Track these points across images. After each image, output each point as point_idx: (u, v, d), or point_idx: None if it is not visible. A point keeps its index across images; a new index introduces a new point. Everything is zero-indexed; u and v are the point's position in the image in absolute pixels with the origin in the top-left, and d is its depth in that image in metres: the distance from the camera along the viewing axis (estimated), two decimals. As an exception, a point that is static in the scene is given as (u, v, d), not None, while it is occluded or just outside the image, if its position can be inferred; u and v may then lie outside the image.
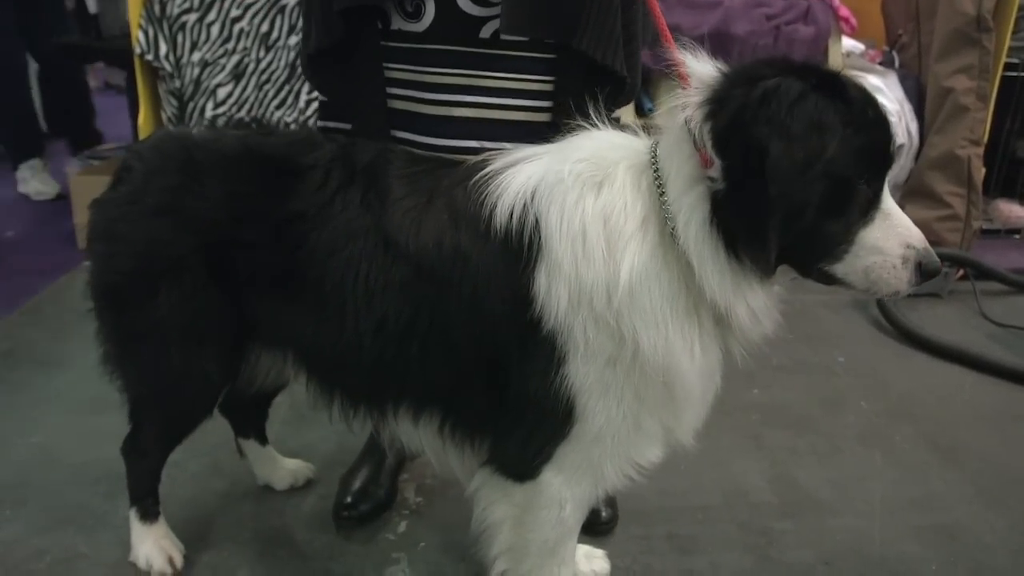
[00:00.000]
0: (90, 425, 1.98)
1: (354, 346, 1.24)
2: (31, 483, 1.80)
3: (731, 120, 0.97)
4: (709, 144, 1.00)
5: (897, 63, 3.81)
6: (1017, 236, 3.87)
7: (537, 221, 1.09)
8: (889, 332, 2.89)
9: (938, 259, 1.05)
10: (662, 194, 1.05)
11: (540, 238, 1.09)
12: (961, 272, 3.30)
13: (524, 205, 1.10)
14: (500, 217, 1.11)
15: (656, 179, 1.06)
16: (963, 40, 3.34)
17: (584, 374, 1.11)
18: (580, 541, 1.62)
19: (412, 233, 1.18)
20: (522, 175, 1.14)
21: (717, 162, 1.00)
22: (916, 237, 1.03)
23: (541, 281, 1.09)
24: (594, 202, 1.07)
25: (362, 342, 1.23)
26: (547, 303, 1.08)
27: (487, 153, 1.22)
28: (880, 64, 3.80)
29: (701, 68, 1.07)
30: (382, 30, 1.44)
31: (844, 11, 3.50)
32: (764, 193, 0.96)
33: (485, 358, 1.17)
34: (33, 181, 4.05)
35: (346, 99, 1.52)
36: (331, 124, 1.59)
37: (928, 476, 2.02)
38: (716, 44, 3.30)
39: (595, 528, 1.70)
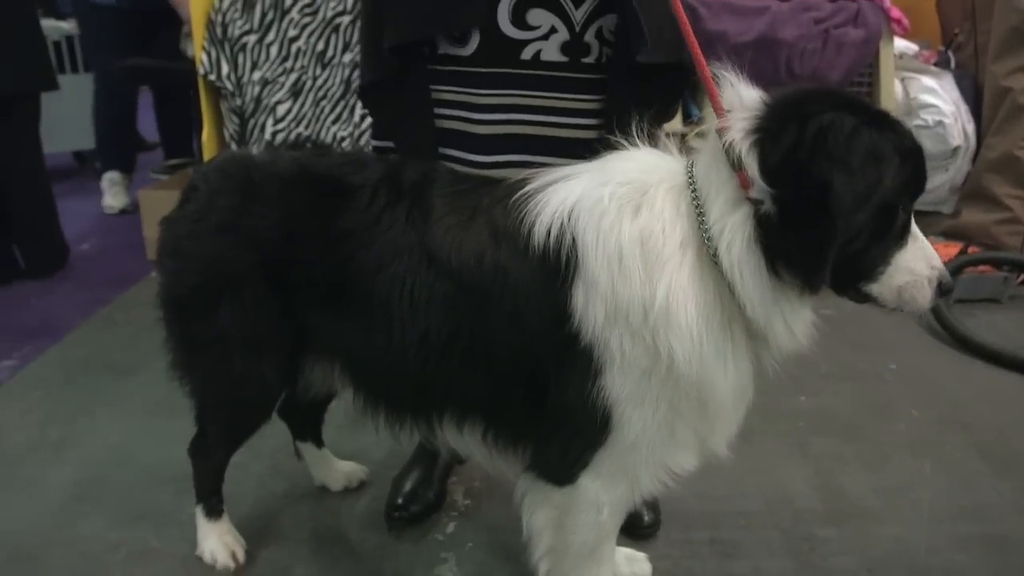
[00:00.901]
0: (161, 427, 2.10)
1: (399, 358, 1.31)
2: (108, 481, 1.93)
3: (786, 154, 1.03)
4: (757, 173, 1.04)
5: (953, 63, 3.74)
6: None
7: (574, 240, 1.14)
8: (944, 338, 2.84)
9: (951, 280, 1.14)
10: (700, 215, 1.09)
11: (577, 256, 1.14)
12: (1022, 277, 3.22)
13: (562, 224, 1.15)
14: (538, 235, 1.17)
15: (695, 200, 1.10)
16: (1021, 38, 3.26)
17: (620, 385, 1.15)
18: (622, 544, 1.67)
19: (454, 249, 1.24)
20: (560, 194, 1.19)
21: (760, 185, 1.04)
22: (936, 258, 1.12)
23: (578, 297, 1.14)
24: (631, 224, 1.12)
25: (406, 354, 1.29)
26: (584, 318, 1.13)
27: (527, 172, 1.28)
28: (935, 65, 3.73)
29: (746, 94, 1.11)
30: (429, 54, 1.51)
31: (896, 12, 3.44)
32: (824, 221, 1.01)
33: (525, 369, 1.22)
34: (106, 194, 4.28)
35: (397, 121, 1.59)
36: (383, 143, 1.67)
37: (979, 485, 1.99)
38: (764, 50, 3.31)
39: (638, 531, 1.74)
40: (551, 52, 1.47)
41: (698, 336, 1.10)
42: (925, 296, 1.10)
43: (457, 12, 1.42)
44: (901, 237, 1.09)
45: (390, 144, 1.64)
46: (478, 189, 1.31)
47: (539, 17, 1.44)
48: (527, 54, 1.47)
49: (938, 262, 1.11)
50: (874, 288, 1.11)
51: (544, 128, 1.50)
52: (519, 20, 1.45)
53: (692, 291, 1.10)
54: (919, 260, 1.10)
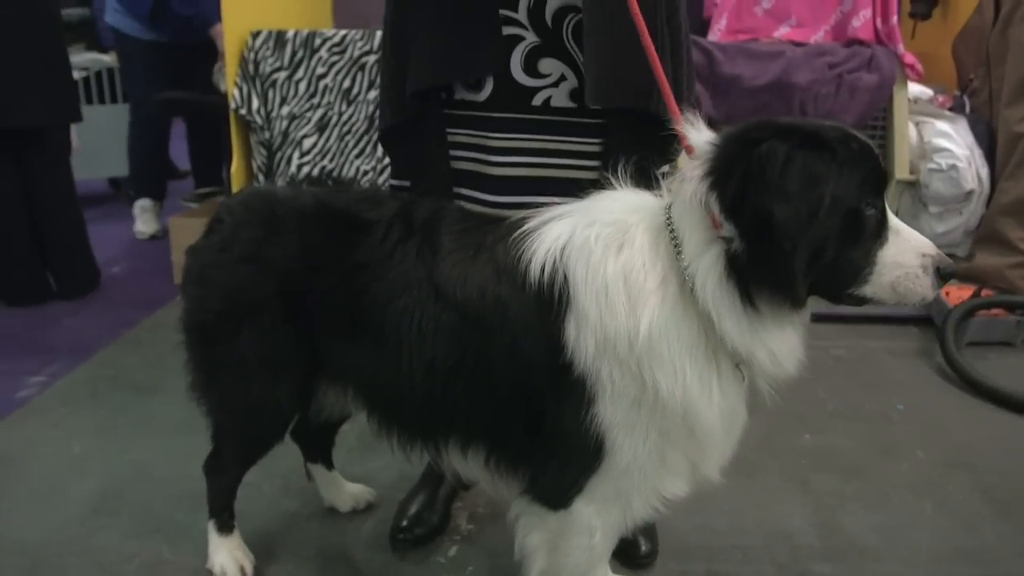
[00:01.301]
0: (179, 445, 2.18)
1: (407, 385, 1.37)
2: (125, 495, 2.01)
3: (735, 191, 1.08)
4: (719, 212, 1.10)
5: (968, 108, 3.77)
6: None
7: (566, 276, 1.21)
8: (954, 381, 2.84)
9: (951, 261, 1.12)
10: (679, 254, 1.15)
11: (568, 291, 1.20)
12: (1036, 321, 3.22)
13: (554, 262, 1.22)
14: (534, 271, 1.23)
15: (673, 240, 1.16)
16: (1034, 86, 3.30)
17: (612, 413, 1.21)
18: (618, 572, 1.71)
19: (459, 284, 1.31)
20: (552, 233, 1.26)
21: (729, 226, 1.10)
22: (928, 245, 1.12)
23: (571, 330, 1.20)
24: (615, 261, 1.18)
25: (414, 381, 1.36)
26: (576, 349, 1.19)
27: (527, 211, 1.35)
28: (950, 109, 3.77)
29: (697, 138, 1.17)
30: (446, 99, 1.61)
31: (909, 58, 3.50)
32: (781, 247, 1.05)
33: (523, 397, 1.28)
34: (138, 220, 4.44)
35: (415, 162, 1.68)
36: (400, 183, 1.76)
37: (980, 528, 1.99)
38: (778, 93, 3.39)
39: (634, 561, 1.78)
40: (561, 99, 1.55)
41: (680, 367, 1.15)
42: (923, 285, 1.11)
43: (474, 60, 1.51)
44: (878, 235, 1.11)
45: (407, 183, 1.72)
46: (483, 227, 1.38)
47: (549, 66, 1.53)
48: (538, 100, 1.56)
49: (930, 248, 1.12)
50: (867, 290, 1.12)
51: (553, 170, 1.58)
52: (531, 69, 1.53)
53: (674, 324, 1.15)
54: (906, 253, 1.11)
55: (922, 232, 3.81)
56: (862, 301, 1.15)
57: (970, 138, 3.54)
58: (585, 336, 1.19)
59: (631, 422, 1.21)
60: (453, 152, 1.62)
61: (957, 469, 2.26)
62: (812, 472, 2.23)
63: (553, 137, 1.56)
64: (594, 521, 1.31)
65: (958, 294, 3.28)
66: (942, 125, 3.55)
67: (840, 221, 1.07)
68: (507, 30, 1.51)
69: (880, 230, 1.11)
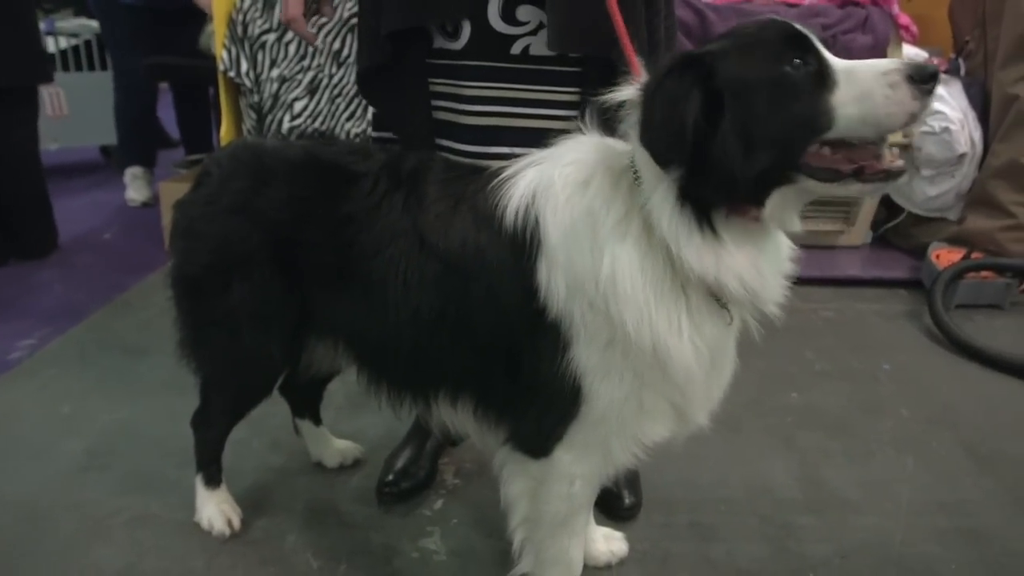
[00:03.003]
0: (169, 404, 2.19)
1: (395, 336, 1.38)
2: (114, 452, 2.03)
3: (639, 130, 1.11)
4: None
5: (963, 70, 3.74)
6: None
7: (537, 220, 1.21)
8: (941, 342, 2.86)
9: (929, 63, 1.02)
10: (641, 191, 1.15)
11: (540, 234, 1.20)
12: (1025, 284, 3.23)
13: (527, 206, 1.22)
14: (509, 217, 1.23)
15: (635, 178, 1.16)
16: (1028, 47, 3.28)
17: (587, 357, 1.21)
18: (602, 524, 1.73)
19: (442, 233, 1.31)
20: (526, 179, 1.25)
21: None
22: (891, 63, 1.03)
23: (542, 272, 1.20)
24: (580, 201, 1.18)
25: (401, 332, 1.37)
26: (549, 292, 1.20)
27: (507, 161, 1.35)
28: (945, 72, 3.73)
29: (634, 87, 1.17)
30: (425, 48, 1.59)
31: (904, 19, 3.47)
32: (708, 160, 1.07)
33: (503, 345, 1.29)
34: (129, 188, 4.42)
35: (395, 111, 1.67)
36: (383, 135, 1.75)
37: (961, 482, 2.02)
38: (770, 54, 3.35)
39: (618, 513, 1.80)
40: (540, 47, 1.53)
41: (646, 303, 1.14)
42: (900, 101, 1.01)
43: (448, 2, 1.50)
44: (822, 85, 1.04)
45: (389, 135, 1.72)
46: (466, 176, 1.38)
47: (528, 13, 1.51)
48: (516, 49, 1.54)
49: (894, 64, 1.02)
50: (837, 132, 1.05)
51: (530, 120, 1.57)
52: (509, 16, 1.52)
53: (637, 259, 1.14)
54: (864, 82, 1.03)
55: (913, 194, 3.82)
56: (845, 145, 1.07)
57: (964, 101, 3.52)
58: (556, 278, 1.19)
59: (606, 365, 1.21)
60: (433, 102, 1.61)
61: (940, 426, 2.29)
62: (797, 429, 2.25)
63: (532, 86, 1.55)
64: (574, 468, 1.31)
65: (948, 257, 3.29)
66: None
67: (752, 99, 1.04)
68: None
69: (822, 80, 1.04)
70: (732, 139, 1.05)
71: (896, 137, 3.48)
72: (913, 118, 1.03)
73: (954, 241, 3.43)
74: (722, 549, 1.73)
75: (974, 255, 3.26)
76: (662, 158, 1.08)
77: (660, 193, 1.11)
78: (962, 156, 3.45)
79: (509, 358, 1.30)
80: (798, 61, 1.05)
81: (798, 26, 1.08)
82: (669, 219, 1.11)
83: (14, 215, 3.49)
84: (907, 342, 2.90)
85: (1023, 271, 3.20)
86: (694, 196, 1.10)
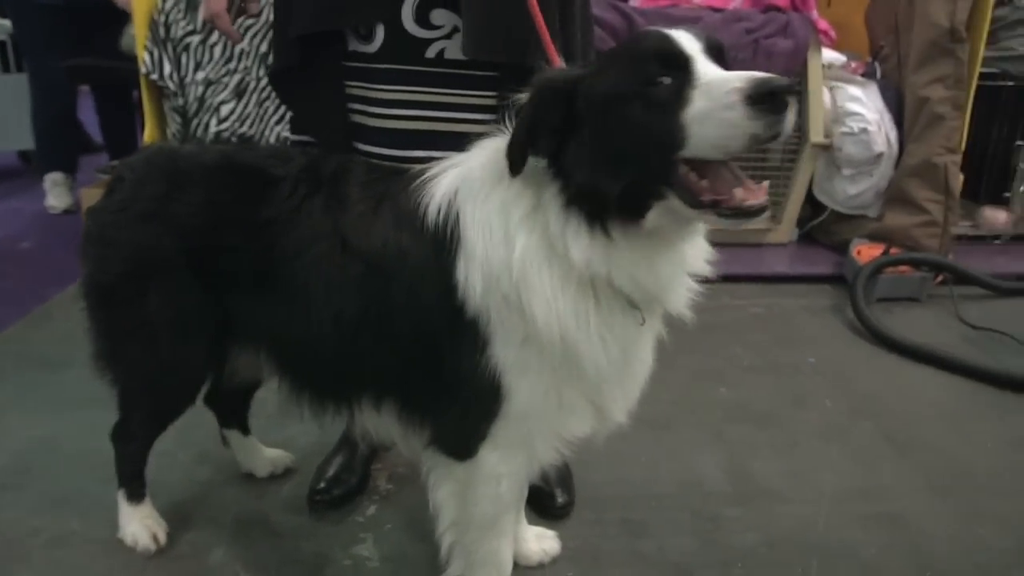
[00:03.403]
0: (91, 419, 2.08)
1: (317, 340, 1.36)
2: (31, 470, 1.95)
3: None
4: None
5: (879, 74, 3.89)
6: (998, 241, 3.93)
7: (457, 216, 1.21)
8: (863, 335, 2.97)
9: (770, 79, 0.96)
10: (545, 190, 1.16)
11: (459, 230, 1.20)
12: (940, 277, 3.38)
13: (448, 203, 1.22)
14: (431, 215, 1.23)
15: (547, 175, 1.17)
16: (938, 51, 3.44)
17: (505, 354, 1.21)
18: (535, 523, 1.74)
19: (364, 234, 1.30)
20: (448, 178, 1.26)
21: None
22: (739, 78, 0.98)
23: (460, 268, 1.20)
24: (495, 195, 1.19)
25: (323, 336, 1.35)
26: (467, 288, 1.20)
27: (431, 162, 1.35)
28: (862, 75, 3.88)
29: None
30: (341, 51, 1.58)
31: (823, 24, 3.60)
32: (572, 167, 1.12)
33: (424, 344, 1.28)
34: (49, 194, 4.25)
35: (310, 113, 1.65)
36: (300, 137, 1.73)
37: (880, 468, 2.10)
38: (697, 58, 3.43)
39: (550, 512, 1.82)
40: (454, 50, 1.54)
41: (552, 296, 1.15)
42: (735, 123, 0.97)
43: (359, 7, 1.49)
44: (678, 99, 1.01)
45: (307, 138, 1.70)
46: (388, 178, 1.37)
47: (442, 17, 1.51)
48: (431, 52, 1.54)
49: (739, 81, 0.97)
50: (687, 153, 1.02)
51: (448, 124, 1.57)
52: (423, 19, 1.52)
53: (544, 254, 1.15)
54: (710, 99, 0.99)
55: (835, 193, 3.94)
56: (707, 171, 1.06)
57: (880, 102, 3.67)
58: (473, 273, 1.19)
59: (524, 362, 1.21)
60: (349, 105, 1.60)
61: (862, 416, 2.38)
62: (726, 423, 2.31)
63: (447, 90, 1.55)
64: (500, 468, 1.32)
65: (868, 252, 3.42)
66: (854, 90, 3.66)
67: (607, 117, 1.07)
68: None
69: (679, 96, 1.01)
70: (586, 155, 1.09)
71: (817, 137, 3.62)
72: (757, 140, 0.97)
73: (874, 237, 3.57)
74: (653, 544, 1.76)
75: (892, 250, 3.40)
76: (511, 168, 1.13)
77: (552, 191, 1.14)
78: (880, 156, 3.60)
79: (431, 358, 1.29)
80: (663, 77, 1.03)
81: (677, 38, 1.06)
82: (556, 218, 1.13)
83: None
84: (831, 336, 3.00)
85: (938, 265, 3.34)
86: (575, 199, 1.12)
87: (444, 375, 1.28)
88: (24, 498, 1.84)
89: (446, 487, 1.38)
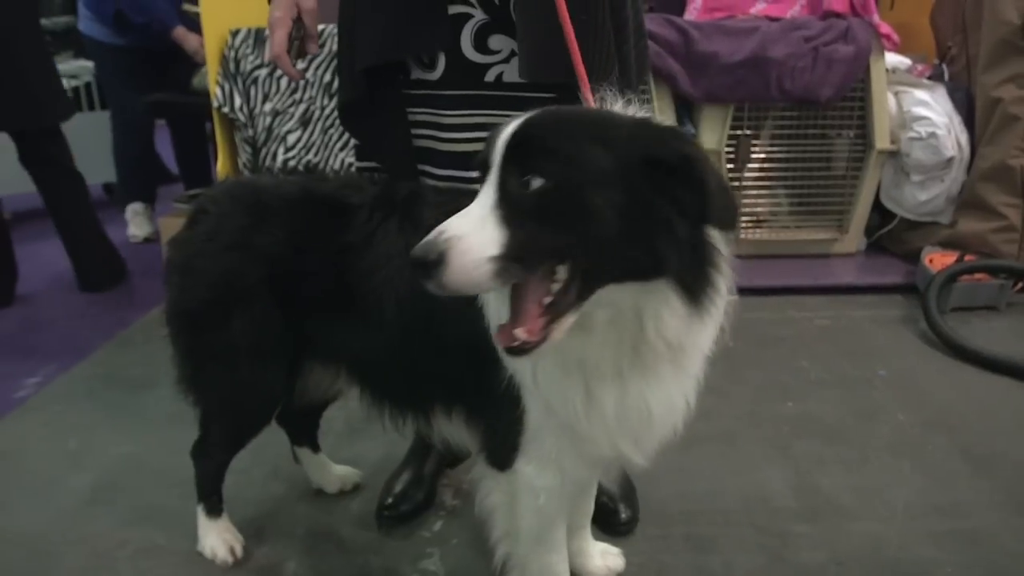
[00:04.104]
0: (173, 437, 2.20)
1: (390, 352, 1.42)
2: (119, 485, 2.06)
3: None
4: None
5: (947, 76, 3.79)
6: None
7: None
8: (937, 346, 2.88)
9: (422, 248, 0.95)
10: None
11: None
12: (1019, 285, 3.25)
13: None
14: None
15: None
16: (1009, 49, 3.32)
17: (520, 373, 1.23)
18: (599, 539, 1.75)
19: None
20: None
21: None
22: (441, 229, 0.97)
23: None
24: None
25: (396, 348, 1.40)
26: (486, 307, 1.23)
27: None
28: (929, 78, 3.78)
29: None
30: (404, 80, 1.64)
31: (885, 28, 3.52)
32: None
33: (470, 356, 1.30)
34: (130, 224, 4.50)
35: (376, 141, 1.71)
36: (365, 164, 1.80)
37: (956, 484, 2.03)
38: (755, 68, 3.42)
39: (614, 528, 1.82)
40: (513, 74, 1.58)
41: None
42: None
43: (420, 37, 1.55)
44: None
45: (372, 164, 1.76)
46: (458, 199, 1.42)
47: (499, 42, 1.56)
48: (490, 76, 1.59)
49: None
50: None
51: None
52: (481, 45, 1.57)
53: None
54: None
55: (903, 200, 3.87)
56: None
57: (949, 105, 3.56)
58: (489, 297, 1.21)
59: (530, 384, 1.23)
60: (413, 131, 1.66)
61: (937, 430, 2.30)
62: (793, 438, 2.27)
63: (507, 112, 1.58)
64: (536, 482, 1.31)
65: (941, 260, 3.31)
66: (920, 94, 3.57)
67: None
68: (454, 8, 1.54)
69: None
70: None
71: (883, 144, 3.53)
72: (442, 288, 0.95)
73: (947, 244, 3.46)
74: (718, 560, 1.75)
75: (967, 258, 3.28)
76: None
77: None
78: (950, 160, 3.49)
79: (477, 369, 1.31)
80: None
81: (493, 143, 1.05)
82: None
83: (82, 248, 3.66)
84: (903, 347, 2.91)
85: (1017, 272, 3.21)
86: None
87: (487, 386, 1.31)
88: (113, 512, 1.95)
89: (493, 497, 1.40)
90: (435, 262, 0.94)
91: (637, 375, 1.14)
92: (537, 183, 0.97)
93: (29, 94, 3.34)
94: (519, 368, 1.22)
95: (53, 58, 3.61)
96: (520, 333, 1.00)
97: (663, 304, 1.04)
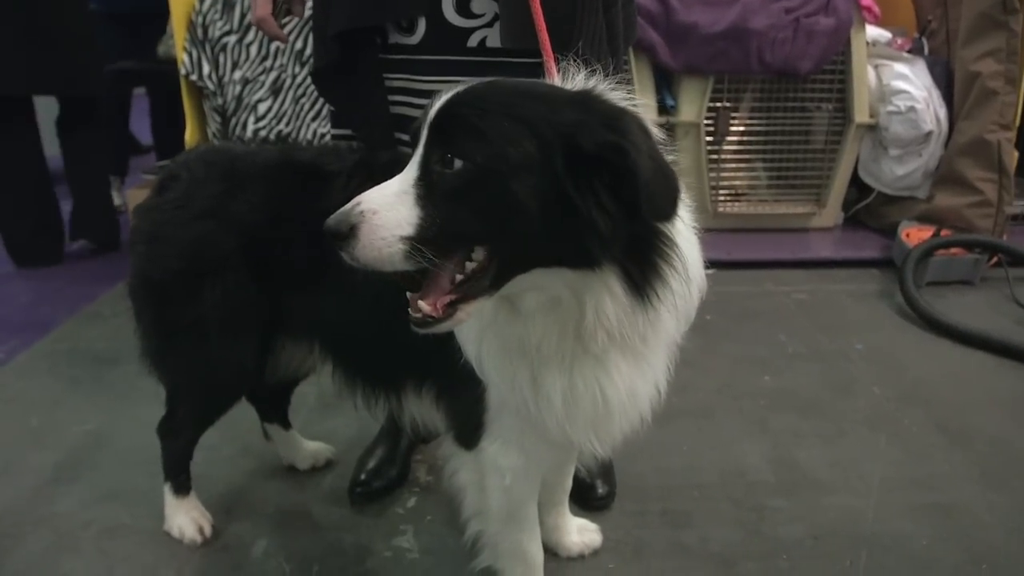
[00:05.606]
0: (139, 414, 2.16)
1: (363, 327, 1.38)
2: (83, 464, 2.00)
3: None
4: None
5: (927, 50, 3.77)
6: (1056, 221, 3.78)
7: None
8: (913, 320, 2.89)
9: (335, 218, 0.95)
10: None
11: None
12: (994, 259, 3.26)
13: None
14: None
15: None
16: (989, 23, 3.31)
17: (468, 350, 1.18)
18: (577, 515, 1.73)
19: None
20: None
21: None
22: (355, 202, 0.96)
23: None
24: None
25: (368, 322, 1.36)
26: None
27: None
28: (909, 51, 3.76)
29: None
30: (381, 44, 1.58)
31: (866, 1, 3.49)
32: None
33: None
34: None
35: (352, 108, 1.65)
36: (341, 132, 1.73)
37: (932, 458, 2.04)
38: (735, 40, 3.37)
39: (591, 504, 1.80)
40: (495, 39, 1.52)
41: (480, 328, 1.13)
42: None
43: (395, 1, 1.48)
44: None
45: (348, 132, 1.70)
46: None
47: (482, 6, 1.50)
48: (473, 41, 1.53)
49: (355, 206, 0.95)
50: None
51: None
52: (463, 9, 1.50)
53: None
54: None
55: (881, 174, 3.87)
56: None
57: (928, 79, 3.55)
58: None
59: (476, 365, 1.18)
60: (390, 97, 1.60)
61: (912, 403, 2.31)
62: (770, 412, 2.26)
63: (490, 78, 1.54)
64: (500, 461, 1.28)
65: (918, 235, 3.32)
66: (900, 67, 3.55)
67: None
68: None
69: None
70: None
71: (863, 117, 3.52)
72: (356, 261, 0.95)
73: (923, 219, 3.46)
74: (695, 535, 1.73)
75: (943, 232, 3.29)
76: None
77: None
78: (928, 134, 3.48)
79: (444, 344, 1.25)
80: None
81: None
82: None
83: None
84: (879, 321, 2.92)
85: (992, 246, 3.23)
86: None
87: (452, 363, 1.26)
88: (76, 491, 1.89)
89: (461, 475, 1.37)
90: (346, 235, 0.91)
91: (588, 363, 1.10)
92: (458, 164, 0.93)
93: (76, 63, 3.40)
94: (466, 348, 1.17)
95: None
96: (424, 305, 0.96)
97: (605, 293, 0.99)
